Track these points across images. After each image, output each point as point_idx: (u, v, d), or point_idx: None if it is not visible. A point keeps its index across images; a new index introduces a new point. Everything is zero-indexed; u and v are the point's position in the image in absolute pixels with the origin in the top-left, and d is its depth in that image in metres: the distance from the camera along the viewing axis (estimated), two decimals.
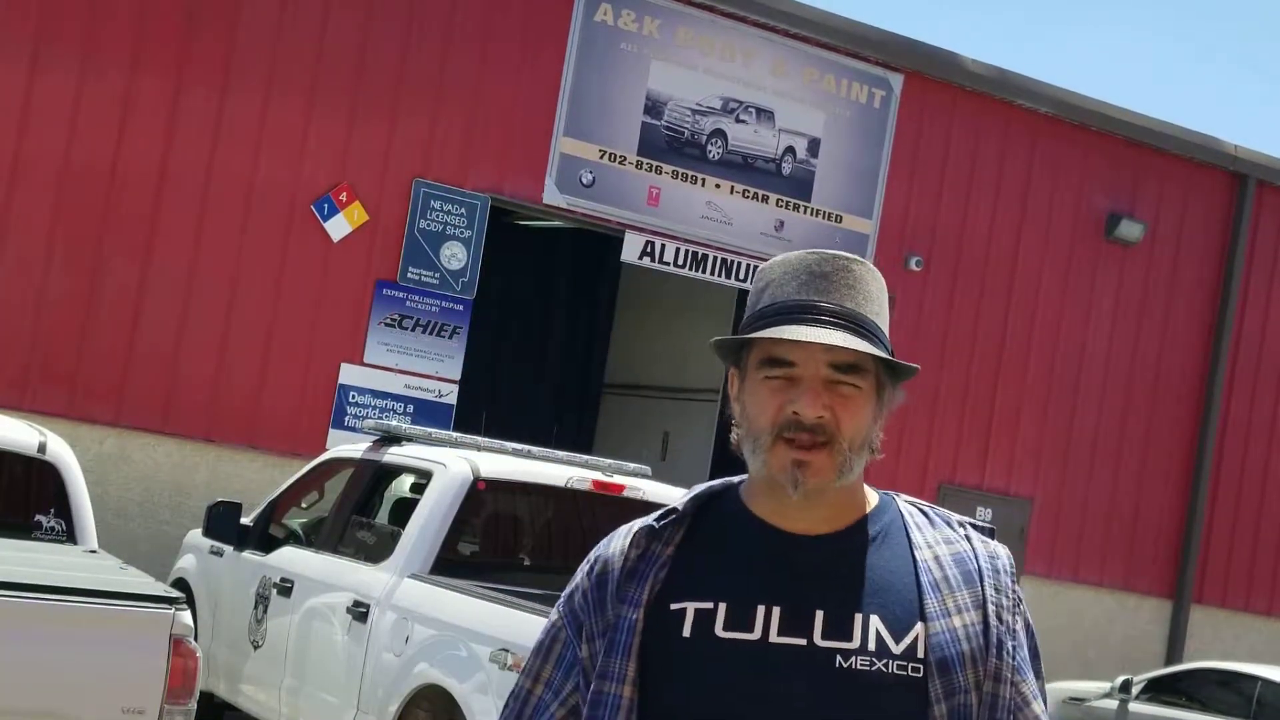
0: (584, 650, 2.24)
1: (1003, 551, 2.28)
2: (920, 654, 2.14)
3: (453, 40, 13.49)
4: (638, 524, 2.28)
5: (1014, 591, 2.25)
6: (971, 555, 2.25)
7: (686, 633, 2.16)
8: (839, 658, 2.13)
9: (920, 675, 2.13)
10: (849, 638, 2.14)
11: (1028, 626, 2.28)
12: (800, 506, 2.20)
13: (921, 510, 2.31)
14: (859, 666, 2.13)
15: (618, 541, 2.28)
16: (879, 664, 2.13)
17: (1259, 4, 45.43)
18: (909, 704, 2.12)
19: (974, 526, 2.31)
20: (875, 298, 2.24)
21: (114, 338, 12.31)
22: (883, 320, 2.24)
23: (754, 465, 2.22)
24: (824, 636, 2.14)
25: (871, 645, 2.14)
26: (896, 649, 2.14)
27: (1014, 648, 2.21)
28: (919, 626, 2.16)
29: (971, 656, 2.16)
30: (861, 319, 2.20)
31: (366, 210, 13.19)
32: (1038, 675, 2.27)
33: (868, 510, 2.27)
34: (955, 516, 2.32)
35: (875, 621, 2.15)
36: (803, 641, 2.14)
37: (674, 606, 2.18)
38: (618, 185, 14.27)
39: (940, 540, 2.25)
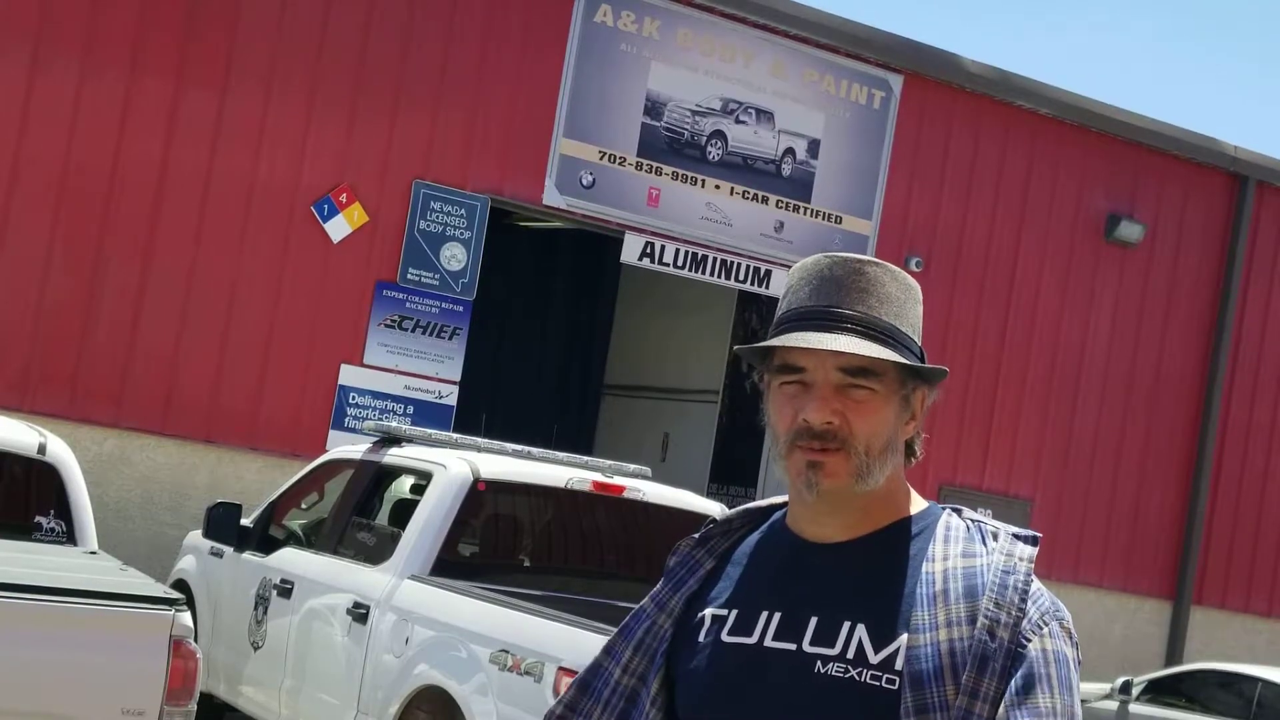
0: None
1: (1023, 568, 2.13)
2: (898, 665, 2.08)
3: (453, 40, 13.48)
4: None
5: (1018, 609, 2.09)
6: (985, 569, 2.13)
7: (701, 637, 2.22)
8: (819, 664, 2.12)
9: (895, 687, 2.07)
10: (832, 644, 2.12)
11: (1054, 653, 2.10)
12: (822, 513, 2.20)
13: (968, 525, 2.21)
14: (834, 673, 2.10)
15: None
16: (853, 672, 2.10)
17: (1259, 4, 45.44)
18: (879, 714, 2.07)
19: (1016, 536, 2.18)
20: (894, 299, 2.22)
21: (114, 338, 12.30)
22: (905, 322, 2.23)
23: (778, 471, 2.23)
24: (811, 642, 2.13)
25: (850, 653, 2.11)
26: (874, 659, 2.10)
27: (1004, 668, 2.06)
28: (903, 638, 2.10)
29: (953, 670, 2.06)
30: (872, 322, 2.19)
31: (366, 211, 13.18)
32: (1058, 713, 2.06)
33: (899, 519, 2.23)
34: (1005, 530, 2.19)
35: (860, 630, 2.12)
36: (792, 647, 2.14)
37: (699, 614, 2.25)
38: (618, 186, 14.26)
39: (960, 554, 2.16)
